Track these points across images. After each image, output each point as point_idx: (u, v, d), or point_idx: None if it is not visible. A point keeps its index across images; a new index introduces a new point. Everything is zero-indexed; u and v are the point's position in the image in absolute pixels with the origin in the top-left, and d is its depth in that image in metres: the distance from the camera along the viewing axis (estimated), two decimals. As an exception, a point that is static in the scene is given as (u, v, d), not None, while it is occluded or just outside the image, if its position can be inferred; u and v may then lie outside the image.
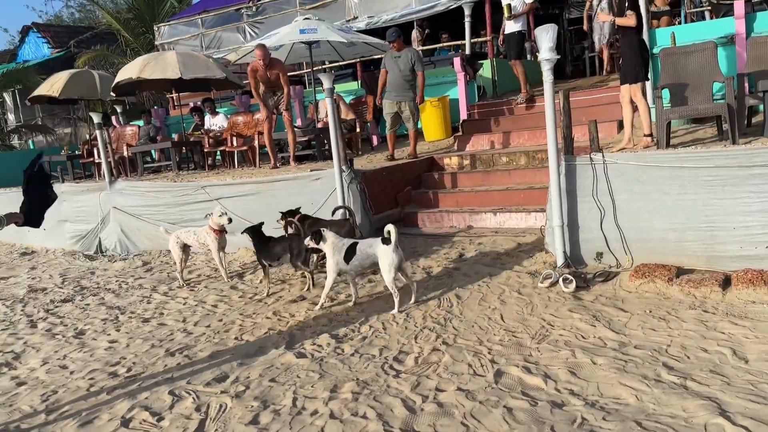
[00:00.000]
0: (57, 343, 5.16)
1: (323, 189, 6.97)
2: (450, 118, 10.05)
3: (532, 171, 7.26)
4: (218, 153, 11.42)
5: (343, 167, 6.72)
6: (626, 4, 6.20)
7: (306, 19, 9.60)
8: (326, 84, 6.57)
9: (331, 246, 5.06)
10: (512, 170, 7.47)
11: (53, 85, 11.48)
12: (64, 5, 39.74)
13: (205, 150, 11.05)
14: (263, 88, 8.57)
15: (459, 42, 11.87)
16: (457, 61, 9.95)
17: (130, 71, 10.52)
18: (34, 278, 7.96)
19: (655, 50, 7.89)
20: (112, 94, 11.17)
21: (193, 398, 3.73)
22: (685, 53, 6.40)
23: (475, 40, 11.48)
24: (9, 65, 20.31)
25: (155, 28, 14.77)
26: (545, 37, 4.95)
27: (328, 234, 5.12)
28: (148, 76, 10.28)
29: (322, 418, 3.31)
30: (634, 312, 4.34)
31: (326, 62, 12.67)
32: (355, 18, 11.84)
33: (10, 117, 21.91)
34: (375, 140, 10.86)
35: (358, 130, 10.11)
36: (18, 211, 3.84)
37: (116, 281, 7.20)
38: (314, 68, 10.60)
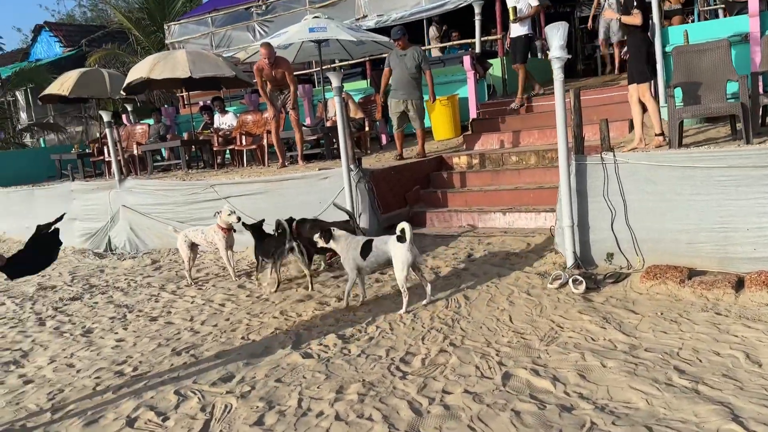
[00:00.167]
0: (65, 341, 5.16)
1: (331, 188, 6.94)
2: (459, 117, 9.99)
3: (542, 170, 7.20)
4: (227, 152, 11.43)
5: (352, 166, 6.68)
6: (633, 3, 6.13)
7: (315, 17, 9.57)
8: (335, 82, 6.54)
9: (344, 244, 5.02)
10: (522, 170, 7.41)
11: (63, 84, 11.53)
12: (76, 4, 40.00)
13: (215, 149, 11.06)
14: (270, 87, 8.55)
15: (469, 40, 11.80)
16: (466, 59, 9.89)
17: (140, 70, 10.56)
18: (43, 276, 7.97)
19: (668, 49, 7.82)
20: (122, 93, 11.20)
21: (198, 398, 3.71)
22: (698, 51, 6.32)
23: (486, 38, 11.41)
24: (21, 64, 20.44)
25: (165, 26, 14.80)
26: (556, 35, 4.89)
27: (339, 232, 5.09)
28: (158, 76, 10.31)
29: (328, 420, 3.28)
30: (645, 314, 4.28)
31: (336, 61, 12.64)
32: (365, 16, 11.80)
33: (23, 115, 22.07)
34: (384, 139, 10.82)
35: (366, 129, 10.08)
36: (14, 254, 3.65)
37: (125, 279, 7.21)
38: (323, 67, 10.57)
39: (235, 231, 6.46)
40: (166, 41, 14.68)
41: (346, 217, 5.98)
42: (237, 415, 3.46)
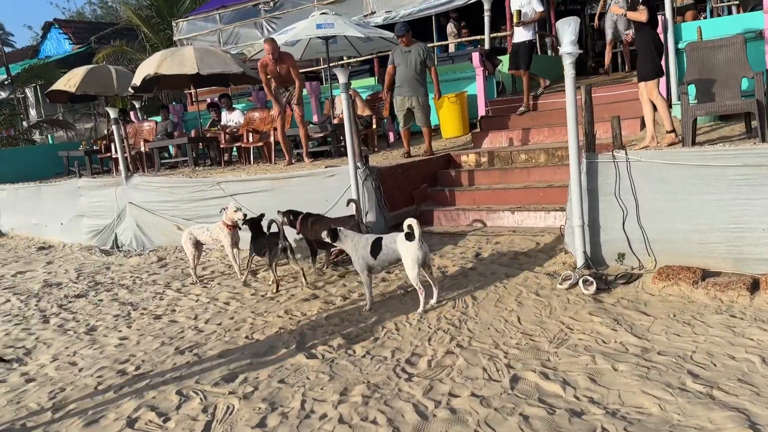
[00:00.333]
0: (68, 339, 5.12)
1: (338, 186, 6.86)
2: (468, 114, 9.88)
3: (552, 169, 7.09)
4: (234, 149, 11.38)
5: (358, 164, 6.60)
6: None
7: (323, 13, 9.48)
8: (341, 79, 6.46)
9: (351, 243, 4.93)
10: (531, 168, 7.30)
11: (70, 81, 11.53)
12: (86, 2, 40.11)
13: (222, 146, 11.01)
14: (275, 84, 8.47)
15: (478, 37, 11.69)
16: (475, 56, 9.77)
17: (148, 66, 10.52)
18: (49, 273, 7.97)
19: (681, 45, 7.70)
20: (129, 90, 11.17)
21: (200, 399, 3.65)
22: (713, 48, 6.19)
23: (495, 35, 11.29)
24: (31, 61, 20.50)
25: (173, 23, 14.78)
26: (567, 30, 4.79)
27: (346, 232, 5.01)
28: (166, 72, 10.27)
29: (331, 423, 3.21)
30: (657, 316, 4.18)
31: (344, 58, 12.56)
32: (373, 13, 11.71)
33: (32, 112, 22.14)
34: (391, 137, 10.73)
35: (374, 126, 9.99)
36: None
37: (130, 277, 7.17)
38: (331, 64, 10.49)
39: (240, 228, 6.39)
40: (174, 38, 14.65)
41: (351, 213, 5.91)
42: (239, 416, 3.40)
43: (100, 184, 9.65)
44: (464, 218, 7.04)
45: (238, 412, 3.43)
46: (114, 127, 9.17)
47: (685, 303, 4.36)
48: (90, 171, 12.33)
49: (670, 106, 7.83)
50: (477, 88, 9.87)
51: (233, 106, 12.03)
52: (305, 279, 5.75)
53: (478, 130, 9.24)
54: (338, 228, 5.05)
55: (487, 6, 10.74)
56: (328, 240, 5.00)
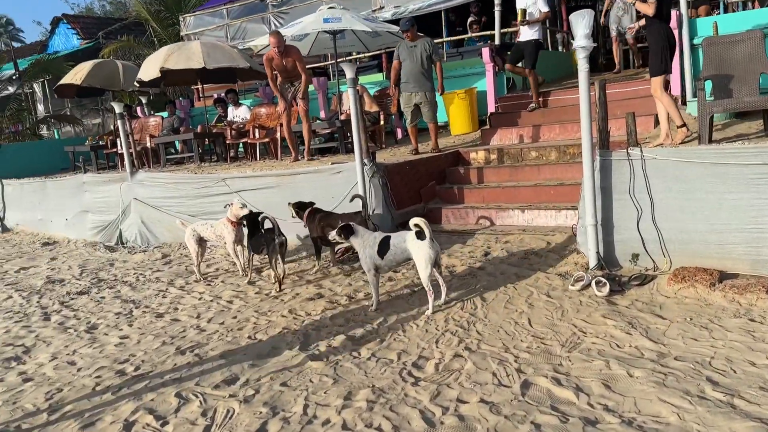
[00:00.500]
0: (68, 337, 5.03)
1: (344, 182, 6.74)
2: (477, 110, 9.72)
3: (563, 166, 6.93)
4: (240, 145, 11.27)
5: (365, 160, 6.48)
6: None
7: (330, 8, 9.36)
8: (349, 74, 6.34)
9: (361, 240, 4.78)
10: (542, 165, 7.14)
11: (77, 75, 11.46)
12: (96, -3, 40.13)
13: (228, 142, 10.90)
14: (281, 79, 8.34)
15: (488, 32, 11.52)
16: (485, 51, 9.61)
17: (154, 61, 10.44)
18: (53, 269, 7.89)
19: (696, 40, 7.52)
20: (135, 84, 11.08)
21: (200, 401, 3.54)
22: (730, 43, 6.02)
23: (505, 30, 11.11)
24: (39, 56, 20.48)
25: (180, 18, 14.69)
26: (581, 23, 4.63)
27: (359, 228, 4.87)
28: (173, 66, 10.18)
29: (334, 429, 3.09)
30: (673, 319, 4.03)
31: (353, 53, 12.43)
32: (381, 8, 11.56)
33: (40, 107, 22.14)
34: (399, 133, 10.58)
35: (382, 122, 9.84)
36: None
37: (134, 274, 7.08)
38: (338, 59, 10.36)
39: (244, 225, 6.28)
40: (181, 33, 14.57)
41: (357, 209, 5.78)
42: (239, 421, 3.28)
43: (105, 180, 9.57)
44: (473, 216, 6.90)
45: (238, 417, 3.32)
46: (119, 123, 9.08)
47: (701, 306, 4.21)
48: (96, 166, 12.27)
49: (684, 102, 7.67)
50: (487, 84, 9.70)
51: (240, 101, 11.93)
52: (280, 286, 5.60)
53: (487, 126, 9.08)
54: (351, 224, 4.91)
55: (498, 0, 10.57)
56: (339, 239, 4.86)
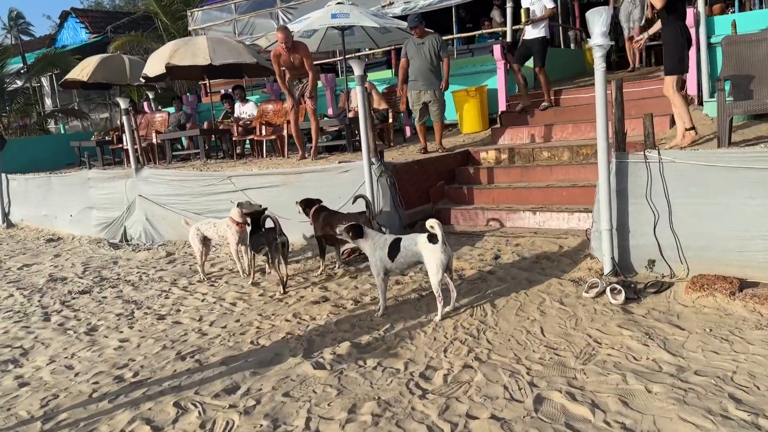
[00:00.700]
0: (67, 339, 4.91)
1: (352, 182, 6.60)
2: (488, 109, 9.55)
3: (576, 167, 6.75)
4: (247, 142, 11.15)
5: (373, 159, 6.33)
6: None
7: (339, 3, 9.20)
8: (357, 71, 6.19)
9: (371, 242, 4.62)
10: (554, 166, 6.97)
11: (83, 70, 11.38)
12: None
13: (234, 138, 10.78)
14: (289, 76, 8.19)
15: (500, 29, 11.33)
16: (497, 48, 9.42)
17: (160, 56, 10.33)
18: (56, 266, 7.80)
19: (713, 39, 7.32)
20: (141, 79, 10.98)
21: (198, 412, 3.40)
22: (751, 42, 5.85)
23: (517, 27, 10.91)
24: (46, 50, 20.43)
25: (188, 13, 14.58)
26: (598, 20, 4.46)
27: (369, 230, 4.72)
28: (178, 62, 10.07)
29: (337, 445, 2.95)
30: (692, 330, 3.86)
31: (362, 50, 12.26)
32: (391, 3, 11.40)
33: (48, 101, 22.10)
34: (408, 131, 10.43)
35: (390, 120, 9.69)
36: None
37: (137, 272, 6.97)
38: (347, 56, 10.20)
39: (249, 225, 6.15)
40: (189, 28, 14.47)
41: (362, 209, 5.63)
42: (239, 433, 3.15)
43: (109, 176, 9.46)
44: (483, 218, 6.74)
45: (238, 429, 3.18)
46: (124, 118, 8.96)
47: (721, 316, 4.04)
48: (102, 162, 12.19)
49: (701, 103, 7.48)
50: (498, 81, 9.52)
51: (247, 97, 11.79)
52: (284, 288, 5.47)
53: (498, 125, 8.91)
54: (362, 225, 4.75)
55: (509, -4, 10.41)
56: (348, 238, 4.70)
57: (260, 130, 10.41)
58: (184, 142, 12.26)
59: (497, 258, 5.63)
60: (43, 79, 21.19)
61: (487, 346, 3.89)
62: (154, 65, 10.31)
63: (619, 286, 4.43)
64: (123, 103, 8.85)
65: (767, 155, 4.35)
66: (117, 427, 3.33)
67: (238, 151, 10.86)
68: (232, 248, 6.13)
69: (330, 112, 10.79)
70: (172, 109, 12.80)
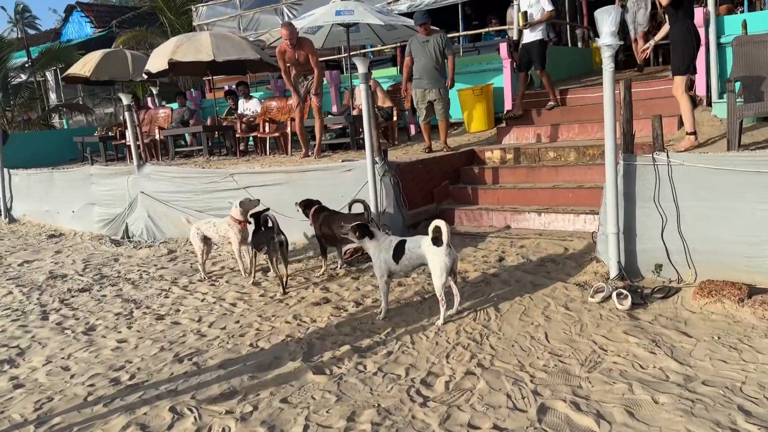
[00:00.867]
0: (65, 339, 4.85)
1: (355, 181, 6.52)
2: (494, 108, 9.45)
3: (583, 168, 6.66)
4: (251, 139, 11.08)
5: (377, 158, 6.25)
6: None
7: (343, 0, 9.11)
8: (361, 69, 6.11)
9: (376, 243, 4.54)
10: (560, 167, 6.87)
11: (85, 65, 11.31)
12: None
13: (238, 135, 10.71)
14: (294, 72, 8.11)
15: (506, 27, 11.22)
16: (503, 47, 9.31)
17: (163, 52, 10.25)
18: (56, 263, 7.75)
19: (723, 39, 7.20)
20: (143, 75, 10.91)
21: (194, 417, 3.33)
22: (762, 42, 5.72)
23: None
24: (50, 44, 20.39)
25: (193, 8, 14.51)
26: (607, 20, 4.37)
27: (376, 231, 4.63)
28: (181, 58, 10.00)
29: (335, 455, 2.88)
30: (699, 337, 3.77)
31: (368, 47, 12.17)
32: (396, 0, 11.28)
33: (52, 96, 22.07)
34: (412, 130, 10.33)
35: (395, 118, 9.59)
36: None
37: (138, 270, 6.91)
38: (351, 53, 10.11)
39: (250, 223, 6.08)
40: (194, 23, 14.41)
41: (360, 210, 5.55)
42: (235, 441, 3.08)
43: (112, 172, 9.41)
44: (487, 218, 6.65)
45: (234, 436, 3.12)
46: (126, 114, 8.89)
47: (729, 323, 3.95)
48: (104, 158, 12.13)
49: (709, 103, 7.36)
50: (504, 80, 9.41)
51: (251, 94, 11.72)
52: (284, 288, 5.41)
53: (503, 124, 8.81)
54: (369, 225, 4.67)
55: (516, -6, 10.26)
56: (354, 238, 4.63)
57: (264, 127, 10.33)
58: (188, 138, 12.20)
59: (501, 260, 5.55)
60: (47, 74, 21.15)
61: (490, 352, 3.82)
62: (157, 61, 10.23)
63: (625, 291, 4.35)
64: (125, 99, 8.78)
65: (779, 159, 4.25)
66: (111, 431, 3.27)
67: (241, 148, 10.79)
68: (235, 247, 6.05)
69: (334, 109, 10.71)
70: (175, 105, 12.74)
